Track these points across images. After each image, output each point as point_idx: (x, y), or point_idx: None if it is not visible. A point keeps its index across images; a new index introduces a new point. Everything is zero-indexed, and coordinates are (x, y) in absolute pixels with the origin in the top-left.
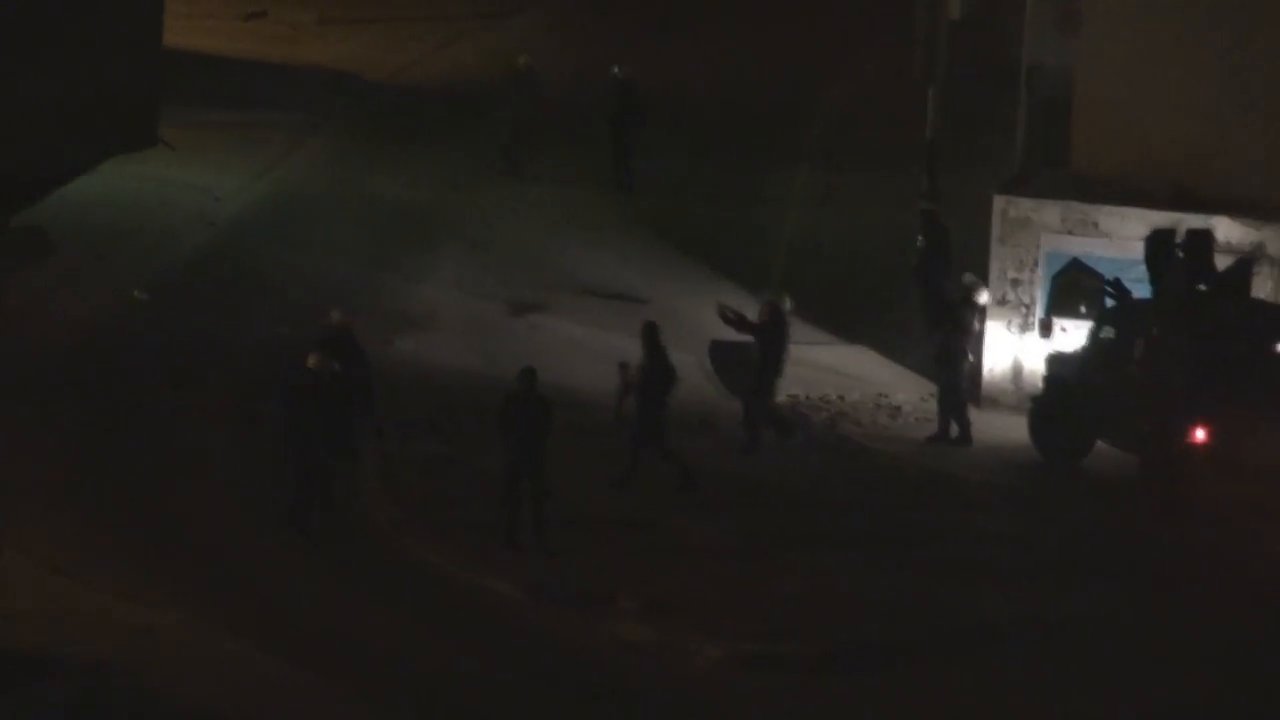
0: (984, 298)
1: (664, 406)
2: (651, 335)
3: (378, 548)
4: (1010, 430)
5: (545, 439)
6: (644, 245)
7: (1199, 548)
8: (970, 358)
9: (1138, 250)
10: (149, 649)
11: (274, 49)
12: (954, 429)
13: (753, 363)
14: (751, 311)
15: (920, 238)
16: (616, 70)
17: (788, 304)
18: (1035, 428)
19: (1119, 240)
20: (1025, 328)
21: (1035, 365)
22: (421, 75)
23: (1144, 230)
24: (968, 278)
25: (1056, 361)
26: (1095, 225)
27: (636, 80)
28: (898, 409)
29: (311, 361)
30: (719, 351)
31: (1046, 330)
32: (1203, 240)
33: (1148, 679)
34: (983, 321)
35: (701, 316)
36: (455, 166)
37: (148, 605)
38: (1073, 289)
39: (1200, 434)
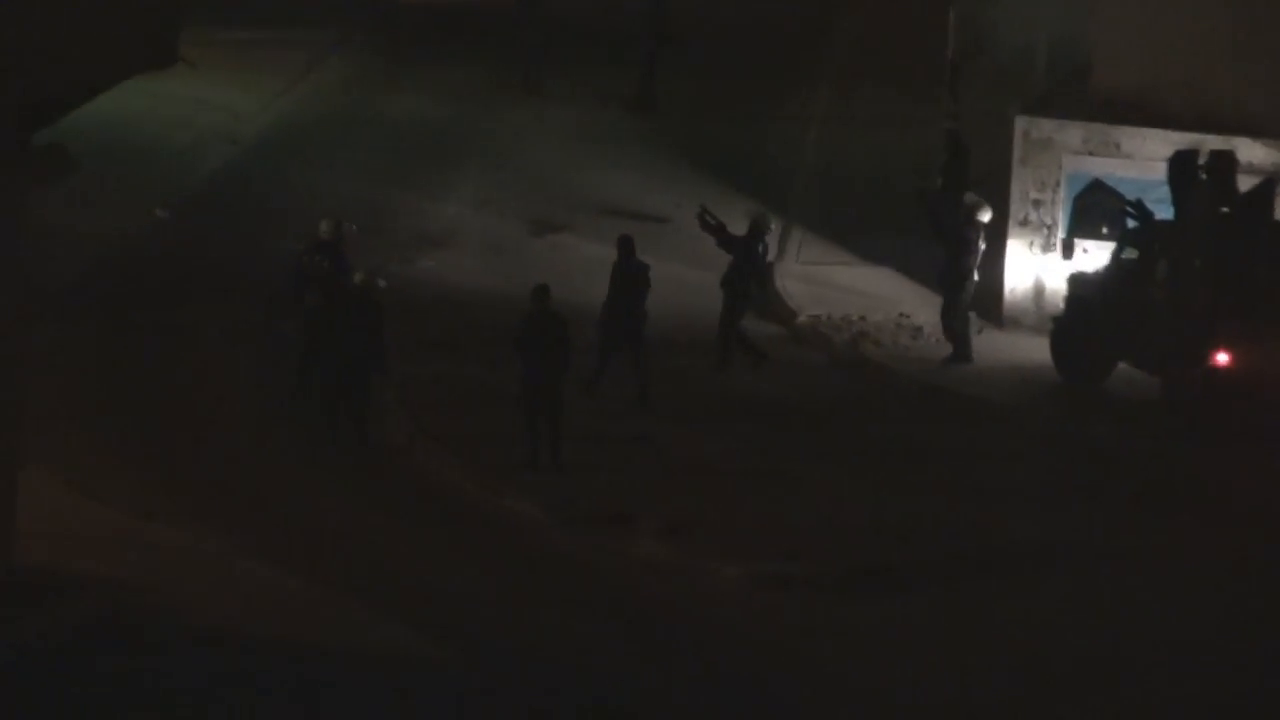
0: (987, 216)
1: (640, 311)
2: (625, 244)
3: (397, 467)
4: (1032, 351)
5: (563, 356)
6: (665, 164)
7: (1221, 470)
8: (975, 277)
9: (1160, 171)
10: (171, 567)
11: None
12: (961, 347)
13: (727, 278)
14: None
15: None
16: None
17: (771, 224)
18: (1057, 348)
19: (1141, 161)
20: (1047, 248)
21: (1057, 286)
22: None
23: (1166, 151)
24: (969, 197)
25: (1078, 282)
26: (1117, 146)
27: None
28: (919, 329)
29: (359, 278)
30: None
31: (1068, 251)
32: (1226, 162)
33: (1166, 603)
34: (988, 239)
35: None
36: (476, 85)
37: (170, 524)
38: (1094, 210)
39: (1223, 356)
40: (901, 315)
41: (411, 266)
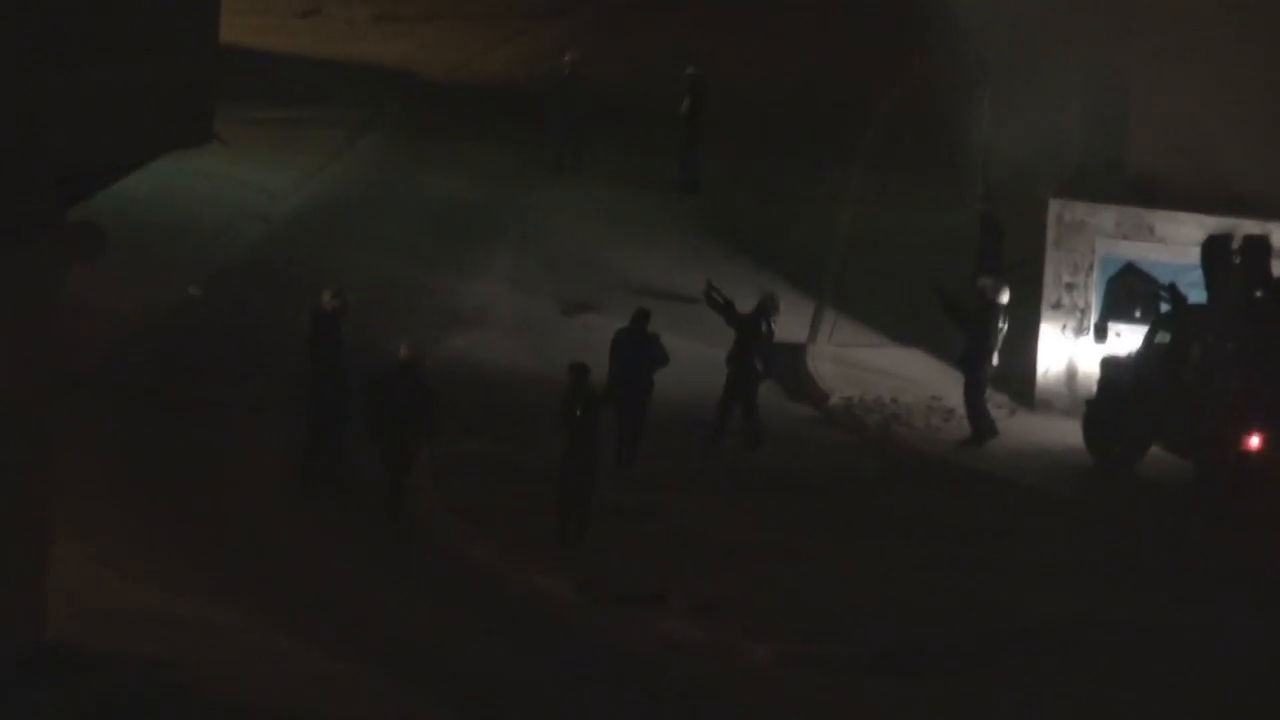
0: (1005, 297)
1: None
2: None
3: (429, 546)
4: (1064, 434)
5: (596, 432)
6: (698, 245)
7: (1251, 553)
8: (995, 360)
9: (1193, 255)
10: (200, 645)
11: (329, 46)
12: (980, 429)
13: (731, 355)
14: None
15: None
16: (690, 70)
17: (778, 304)
18: (1089, 431)
19: (1174, 245)
20: (1080, 331)
21: (1089, 369)
22: (475, 73)
23: (1199, 235)
24: (985, 280)
25: (1111, 365)
26: (1151, 230)
27: (705, 79)
28: (950, 411)
29: (404, 353)
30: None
31: (1102, 335)
32: (1260, 246)
33: (1199, 686)
34: (1007, 320)
35: None
36: (508, 165)
37: (199, 601)
38: (1127, 293)
39: (1255, 440)
40: (933, 398)
41: (441, 345)
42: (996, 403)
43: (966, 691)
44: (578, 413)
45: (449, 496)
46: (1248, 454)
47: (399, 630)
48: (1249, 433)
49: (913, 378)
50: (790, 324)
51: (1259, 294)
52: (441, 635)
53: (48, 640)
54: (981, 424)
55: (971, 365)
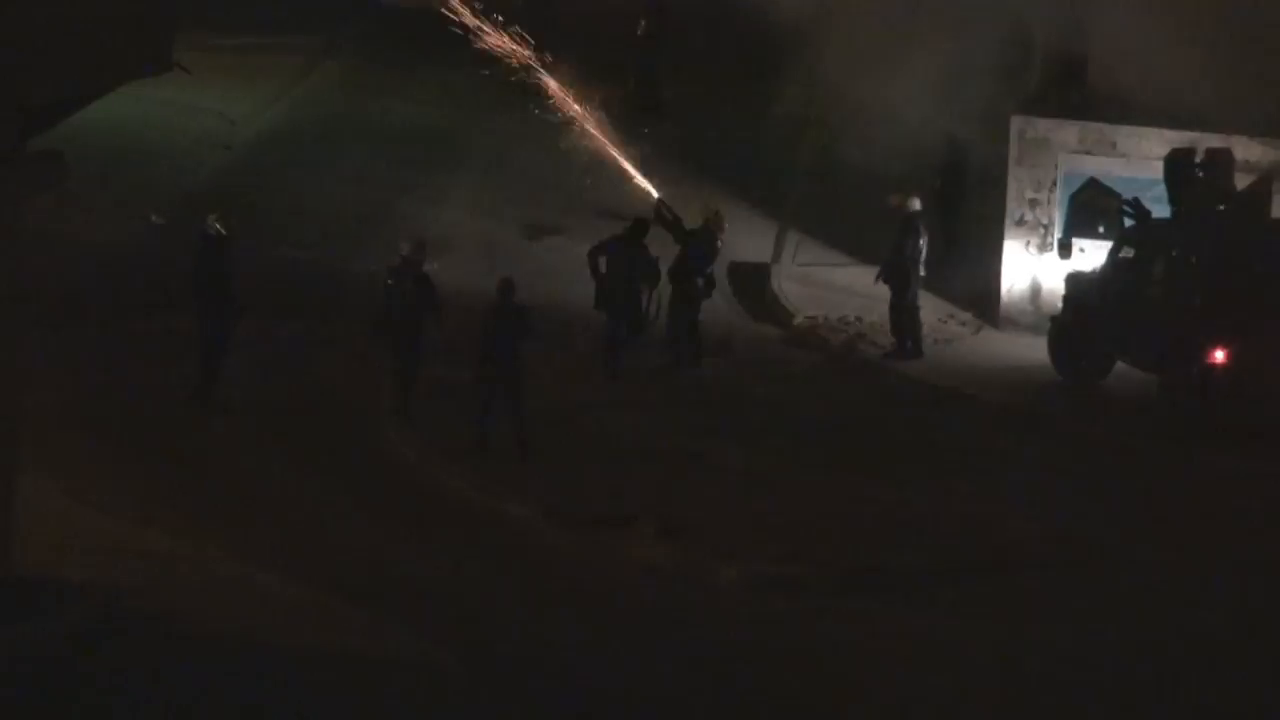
0: (915, 205)
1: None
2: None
3: (396, 472)
4: (1030, 351)
5: (520, 348)
6: (663, 165)
7: (1217, 468)
8: (921, 271)
9: (1156, 169)
10: (168, 574)
11: None
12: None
13: (674, 270)
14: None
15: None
16: None
17: (724, 222)
18: (1054, 347)
19: (1137, 160)
20: (1043, 248)
21: (1053, 285)
22: None
23: (1162, 150)
24: (895, 197)
25: (1076, 281)
26: (1113, 145)
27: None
28: None
29: (406, 250)
30: (738, 275)
31: (1066, 250)
32: (1222, 160)
33: (1172, 604)
34: (923, 232)
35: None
36: (471, 89)
37: (166, 531)
38: (1090, 208)
39: (1219, 354)
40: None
41: None
42: (960, 320)
43: (936, 612)
44: (494, 329)
45: (418, 422)
46: (1211, 368)
47: (369, 558)
48: (1213, 347)
49: (878, 296)
50: (755, 244)
51: (1222, 207)
52: (411, 562)
53: (17, 570)
54: (905, 338)
55: (893, 280)
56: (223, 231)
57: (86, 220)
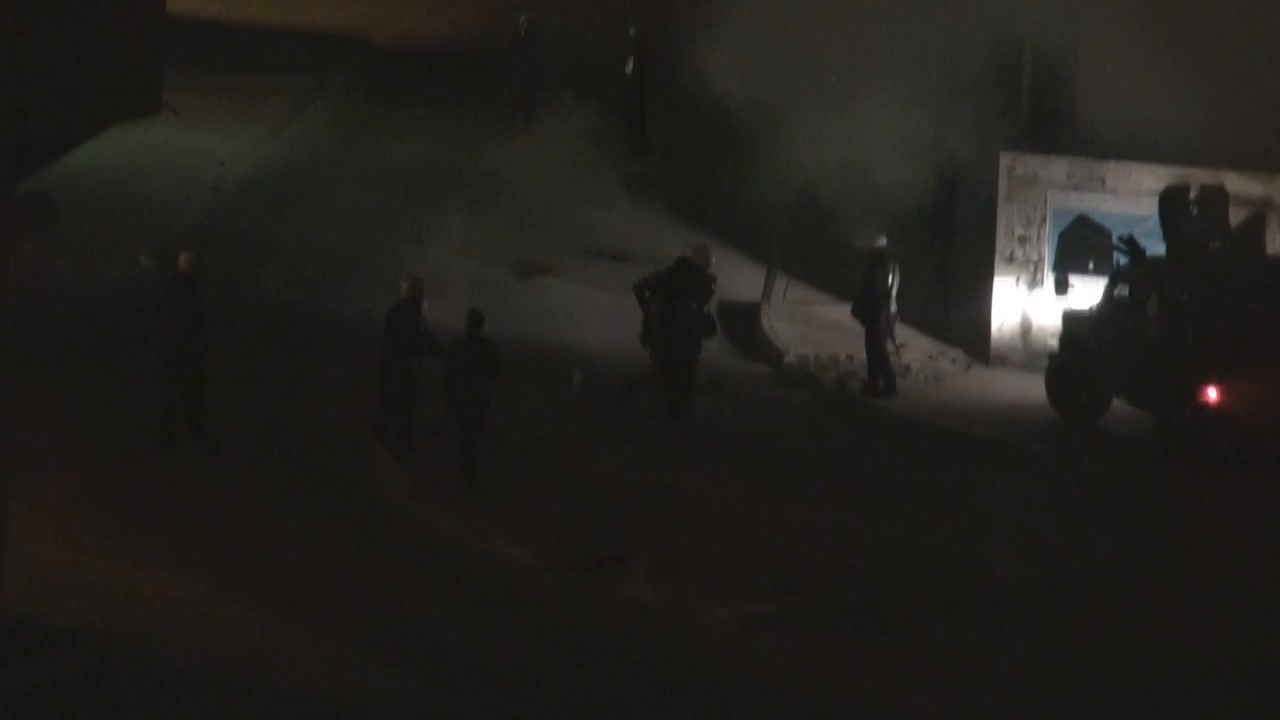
0: (881, 241)
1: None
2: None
3: (389, 514)
4: (1021, 388)
5: (488, 380)
6: (651, 206)
7: (1211, 506)
8: (894, 307)
9: (1145, 205)
10: (160, 617)
11: (277, 13)
12: (874, 379)
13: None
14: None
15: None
16: (632, 30)
17: (710, 257)
18: (1052, 385)
19: (1126, 195)
20: (1033, 285)
21: (1043, 323)
22: (425, 37)
23: (1151, 185)
24: (861, 237)
25: (1073, 319)
26: (1102, 181)
27: (650, 39)
28: (907, 367)
29: (405, 288)
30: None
31: (1063, 287)
32: (1217, 197)
33: (1159, 639)
34: (894, 267)
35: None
36: (460, 129)
37: (158, 573)
38: (1079, 245)
39: (1211, 393)
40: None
41: None
42: (951, 357)
43: (928, 649)
44: (462, 361)
45: (410, 462)
46: (1204, 406)
47: (361, 600)
48: (1205, 385)
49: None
50: (744, 283)
51: (1216, 245)
52: (404, 604)
53: (7, 614)
54: (876, 374)
55: (864, 316)
56: (192, 271)
57: (76, 262)
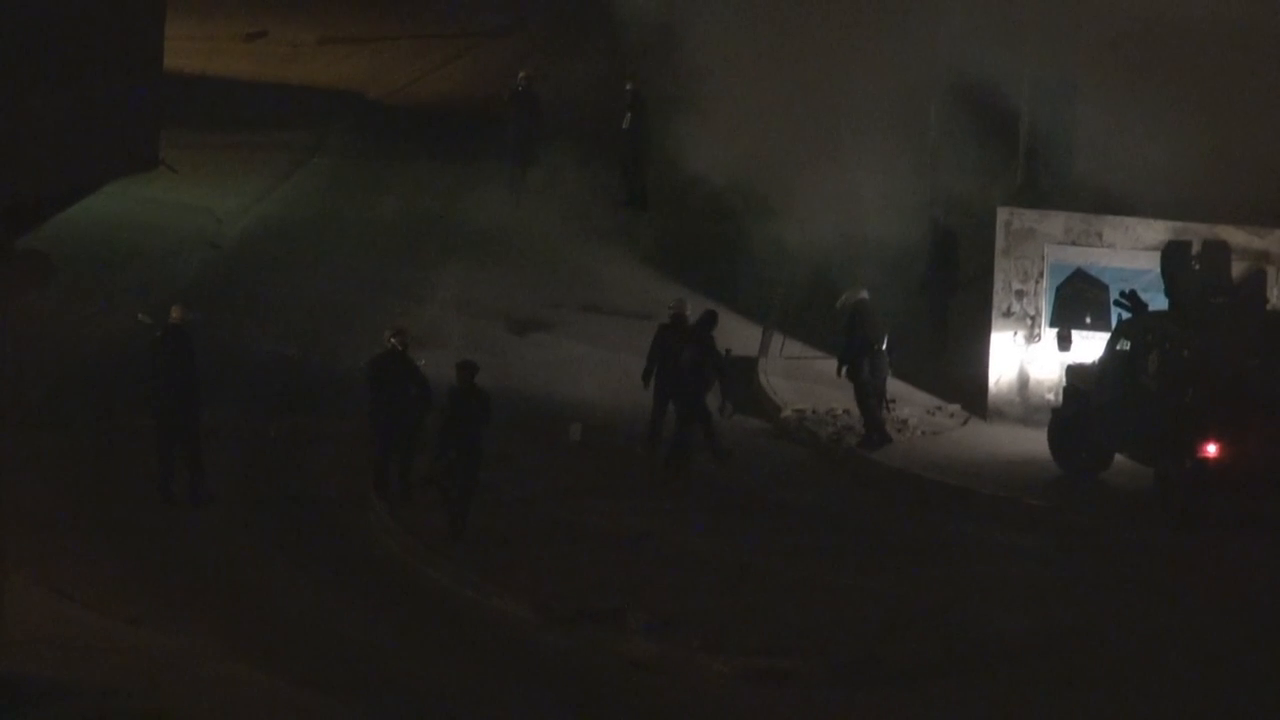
0: (863, 295)
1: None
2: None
3: (385, 568)
4: (1019, 442)
5: (480, 430)
6: (647, 261)
7: (1212, 562)
8: (883, 346)
9: (1143, 259)
10: (158, 673)
11: (275, 69)
12: (870, 431)
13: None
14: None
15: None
16: (629, 85)
17: (685, 308)
18: (1055, 439)
19: (1124, 249)
20: (1030, 339)
21: (1041, 377)
22: (422, 94)
23: (1148, 239)
24: (850, 291)
25: (1075, 373)
26: (1100, 235)
27: (647, 95)
28: (904, 422)
29: (391, 339)
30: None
31: (1065, 342)
32: (1219, 252)
33: (1167, 696)
34: (865, 318)
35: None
36: (457, 184)
37: (156, 629)
38: (1077, 299)
39: (1212, 448)
40: (886, 407)
41: None
42: (949, 411)
43: (929, 705)
44: (455, 410)
45: (406, 517)
46: (1205, 461)
47: (357, 654)
48: (1205, 440)
49: None
50: (742, 338)
51: (1218, 300)
52: (401, 659)
53: (5, 671)
54: (870, 427)
55: (848, 370)
56: (184, 324)
57: (74, 318)
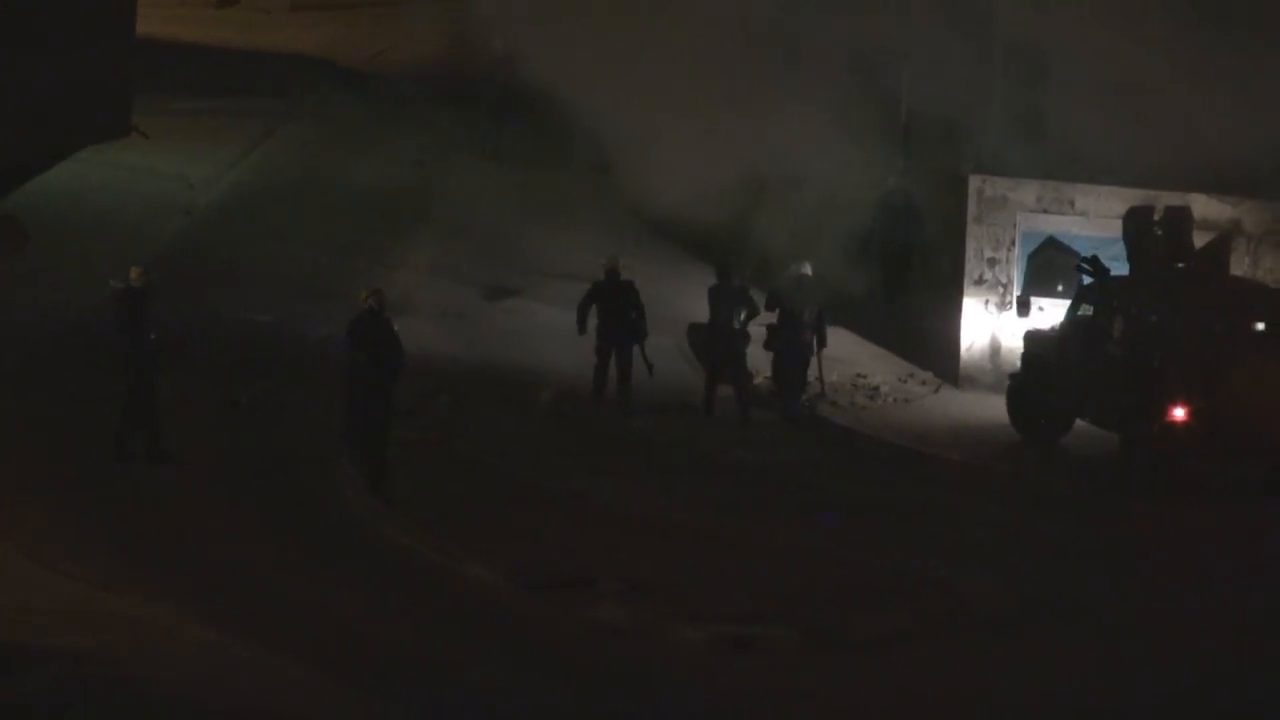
0: (805, 269)
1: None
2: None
3: (356, 534)
4: (990, 410)
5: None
6: (619, 227)
7: (1179, 526)
8: (807, 335)
9: (1115, 228)
10: (131, 639)
11: (247, 36)
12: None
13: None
14: None
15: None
16: None
17: (617, 264)
18: (1013, 406)
19: (1096, 218)
20: (1002, 307)
21: (1013, 344)
22: (394, 61)
23: (1120, 208)
24: (791, 266)
25: (1034, 339)
26: (1071, 203)
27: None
28: (876, 389)
29: (367, 299)
30: (696, 334)
31: (1024, 309)
32: (1181, 218)
33: (1135, 664)
34: (798, 291)
35: (679, 299)
36: (429, 152)
37: (129, 596)
38: (1049, 267)
39: (1179, 412)
40: (858, 375)
41: None
42: (921, 379)
43: (899, 672)
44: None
45: (379, 481)
46: (1172, 425)
47: (329, 620)
48: (1173, 404)
49: (838, 356)
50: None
51: (1181, 265)
52: (375, 625)
53: None
54: (788, 393)
55: (765, 340)
56: (141, 286)
57: (47, 284)
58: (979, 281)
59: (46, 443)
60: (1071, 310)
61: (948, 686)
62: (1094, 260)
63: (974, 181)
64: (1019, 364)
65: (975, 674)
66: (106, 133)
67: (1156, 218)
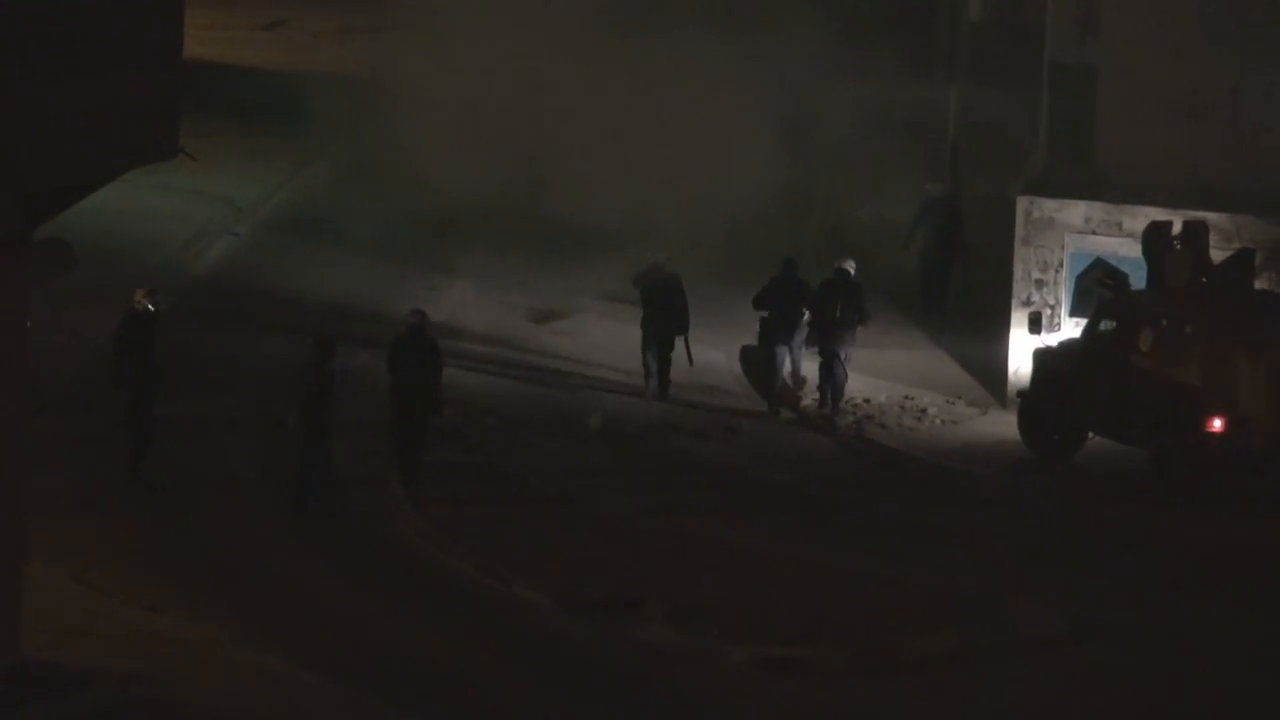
0: (849, 266)
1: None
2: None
3: (406, 556)
4: None
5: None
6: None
7: (1213, 539)
8: (799, 336)
9: None
10: (178, 661)
11: (294, 58)
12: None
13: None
14: None
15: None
16: None
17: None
18: (1025, 423)
19: None
20: (1050, 328)
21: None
22: (441, 81)
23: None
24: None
25: (1045, 356)
26: (1119, 224)
27: None
28: (924, 411)
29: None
30: (748, 356)
31: (1036, 326)
32: (1199, 232)
33: (1185, 683)
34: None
35: (730, 317)
36: (476, 173)
37: (176, 617)
38: (1096, 288)
39: (1217, 423)
40: (906, 397)
41: None
42: (969, 400)
43: (947, 695)
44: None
45: (427, 506)
46: (1210, 436)
47: (379, 643)
48: (1211, 416)
49: (886, 377)
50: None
51: (1204, 279)
52: (423, 648)
53: (23, 659)
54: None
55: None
56: (150, 308)
57: (93, 307)
58: (1026, 303)
59: (90, 466)
60: (1091, 325)
61: (996, 709)
62: (1115, 274)
63: (1021, 203)
64: (1030, 381)
65: (1023, 695)
66: (153, 154)
67: (1175, 232)
